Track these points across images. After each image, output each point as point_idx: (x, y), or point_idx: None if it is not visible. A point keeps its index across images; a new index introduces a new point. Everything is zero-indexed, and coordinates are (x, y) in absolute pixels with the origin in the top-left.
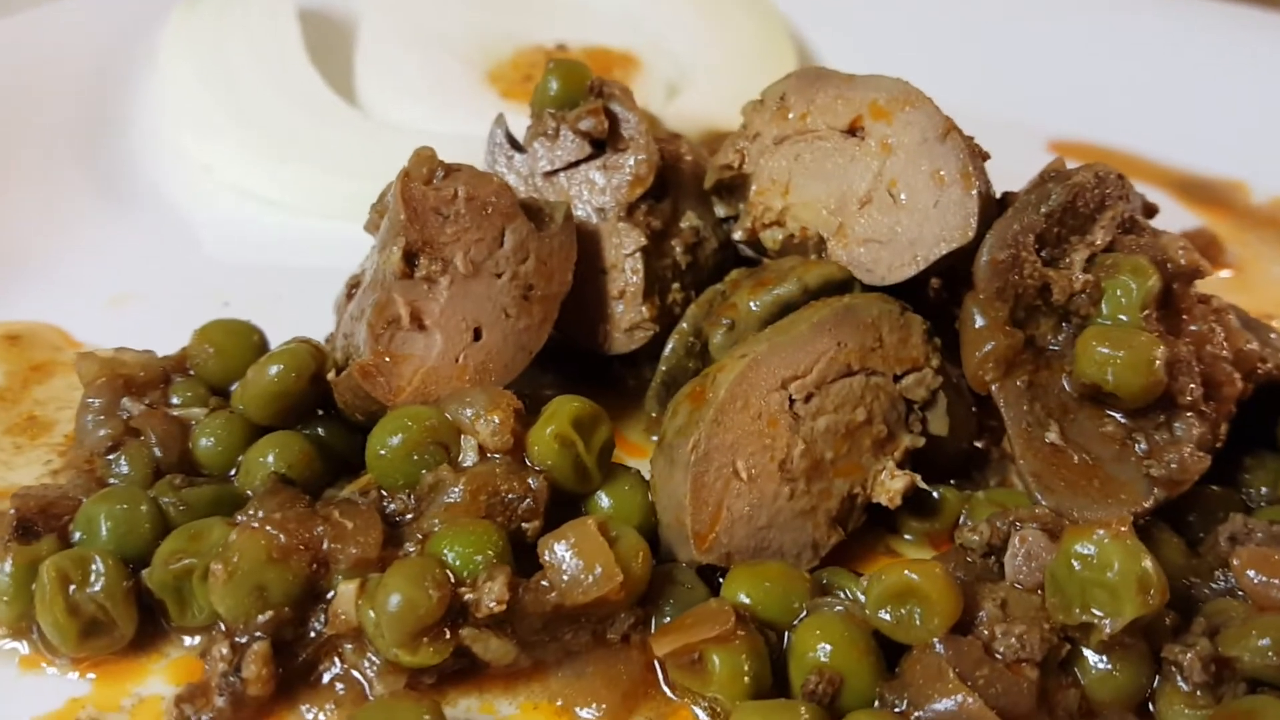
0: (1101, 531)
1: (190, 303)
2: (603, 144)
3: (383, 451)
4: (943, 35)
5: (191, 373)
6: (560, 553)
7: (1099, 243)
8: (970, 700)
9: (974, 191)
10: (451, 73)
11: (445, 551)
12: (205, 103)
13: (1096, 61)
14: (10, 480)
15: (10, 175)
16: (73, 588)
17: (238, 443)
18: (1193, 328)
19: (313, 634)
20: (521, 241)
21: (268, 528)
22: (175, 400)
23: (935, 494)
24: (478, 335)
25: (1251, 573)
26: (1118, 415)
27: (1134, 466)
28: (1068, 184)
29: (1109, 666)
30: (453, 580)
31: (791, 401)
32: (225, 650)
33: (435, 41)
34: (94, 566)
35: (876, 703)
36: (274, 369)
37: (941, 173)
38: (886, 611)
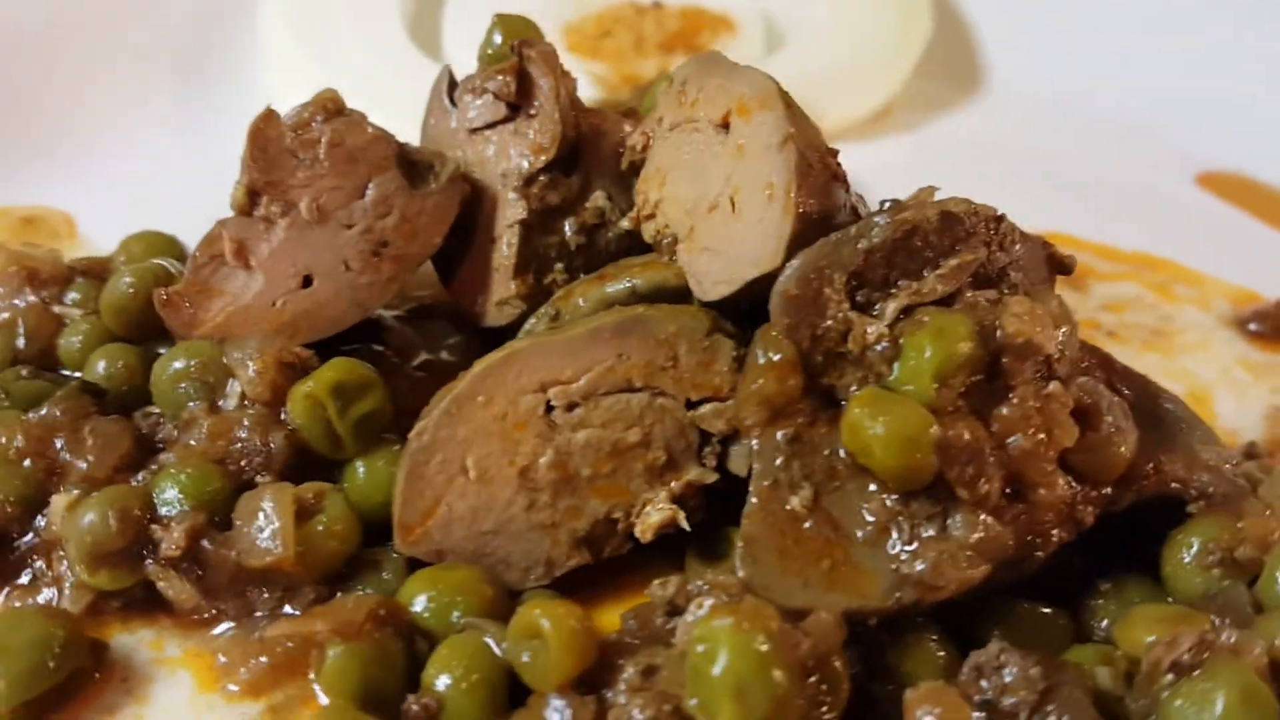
0: (724, 619)
1: None
2: (519, 108)
3: (160, 377)
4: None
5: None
6: (247, 513)
7: (928, 292)
8: None
9: (791, 213)
10: None
11: (160, 486)
12: (295, 50)
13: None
14: None
15: (99, 77)
16: None
17: (94, 346)
18: (1003, 411)
19: (30, 535)
20: (386, 196)
21: (12, 429)
22: (69, 299)
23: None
24: (307, 282)
25: (920, 713)
26: (889, 496)
27: (885, 557)
28: (896, 219)
29: None
30: (148, 516)
31: (550, 408)
32: None
33: None
34: None
35: None
36: (123, 281)
37: (772, 186)
38: (523, 649)
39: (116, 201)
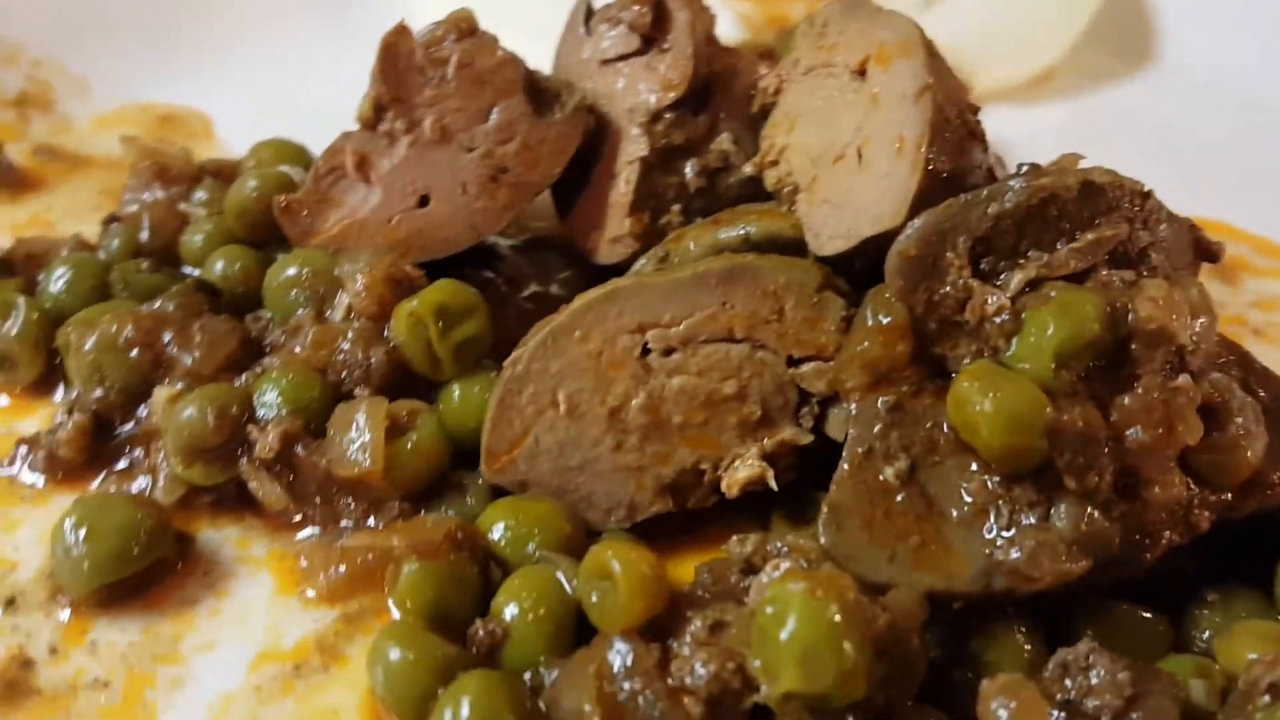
0: (798, 584)
1: None
2: (653, 41)
3: (273, 282)
4: None
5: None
6: (341, 423)
7: (1059, 265)
8: (588, 708)
9: (919, 169)
10: None
11: (260, 388)
12: None
13: None
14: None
15: None
16: (4, 324)
17: (215, 246)
18: (1125, 400)
19: (133, 424)
20: (510, 121)
21: (124, 319)
22: (196, 198)
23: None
24: (424, 202)
25: (995, 704)
26: (991, 477)
27: (979, 541)
28: (1033, 185)
29: None
30: (245, 417)
31: (647, 350)
32: (61, 415)
33: None
34: (16, 310)
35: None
36: (248, 184)
37: (903, 139)
38: (593, 588)
39: (253, 106)
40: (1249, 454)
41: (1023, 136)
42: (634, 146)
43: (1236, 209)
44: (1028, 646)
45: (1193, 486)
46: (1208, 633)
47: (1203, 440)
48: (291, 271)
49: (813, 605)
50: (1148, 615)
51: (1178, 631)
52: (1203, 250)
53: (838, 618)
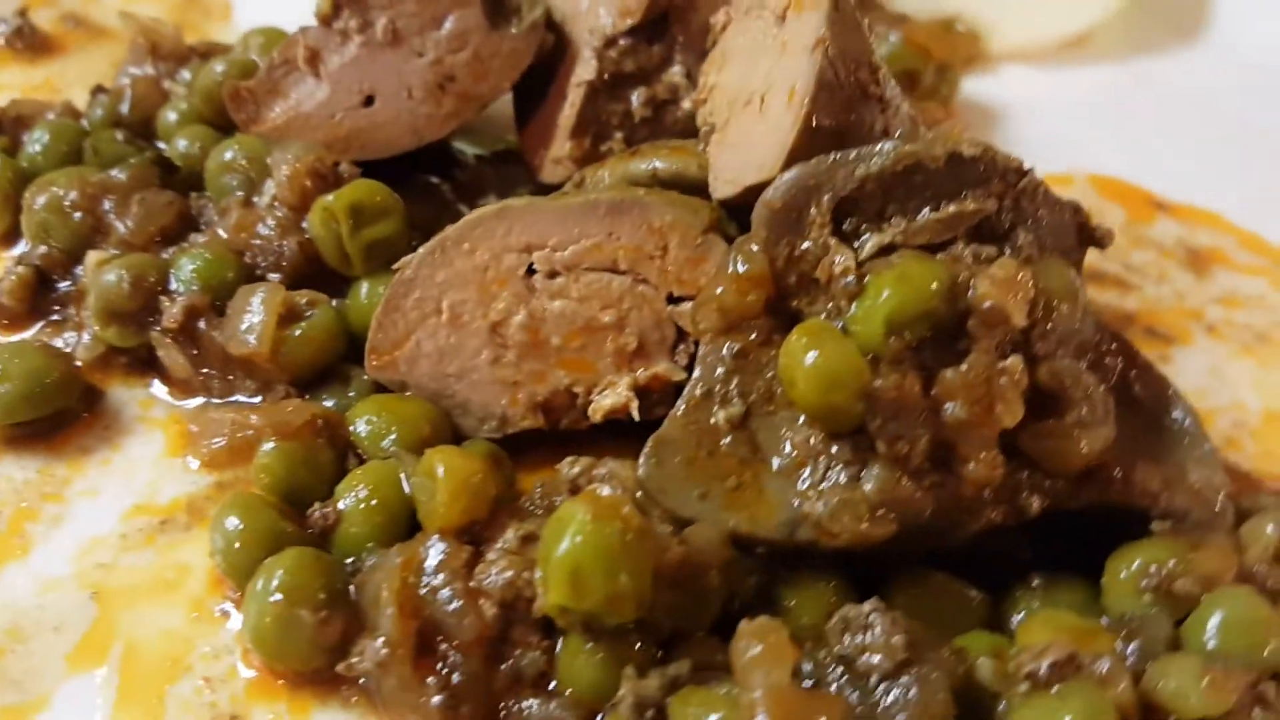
0: (580, 505)
1: None
2: None
3: (212, 164)
4: None
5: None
6: (239, 305)
7: (915, 232)
8: (389, 613)
9: (799, 123)
10: None
11: (178, 263)
12: None
13: None
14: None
15: None
16: None
17: (188, 125)
18: (948, 374)
19: (70, 282)
20: (463, 31)
21: (67, 183)
22: (181, 77)
23: None
24: (369, 102)
25: (744, 644)
26: (816, 433)
27: (792, 491)
28: (900, 151)
29: (569, 651)
30: (160, 287)
31: (532, 271)
32: (11, 265)
33: None
34: None
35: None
36: (216, 69)
37: (794, 91)
38: (424, 489)
39: None
40: (1083, 445)
41: (1049, 100)
42: (583, 69)
43: (1237, 200)
44: (832, 600)
45: (1024, 470)
46: (1021, 615)
47: (1039, 425)
48: (229, 156)
49: (590, 526)
50: (962, 588)
51: (998, 611)
52: (1086, 234)
53: (613, 541)
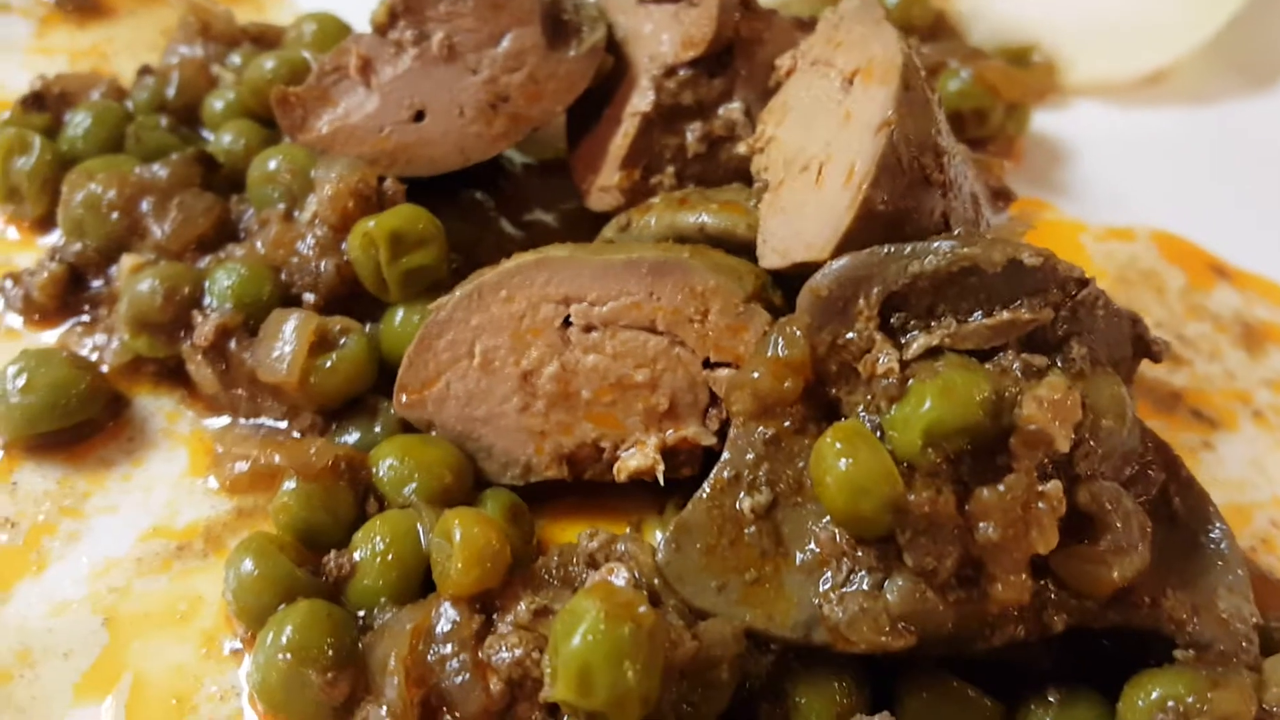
0: (593, 600)
1: None
2: None
3: (255, 171)
4: None
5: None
6: (271, 329)
7: (965, 336)
8: (395, 681)
9: (855, 207)
10: None
11: (214, 275)
12: None
13: None
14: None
15: None
16: (19, 160)
17: (234, 116)
18: (984, 494)
19: (103, 282)
20: (521, 50)
21: (106, 181)
22: (231, 61)
23: None
24: (419, 117)
25: None
26: (843, 532)
27: (812, 590)
28: (956, 253)
29: None
30: (194, 298)
31: (568, 323)
32: (45, 258)
33: None
34: (31, 148)
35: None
36: (267, 63)
37: (854, 170)
38: (441, 548)
39: None
40: (1114, 572)
41: (1118, 140)
42: (640, 98)
43: None
44: (843, 700)
45: (1051, 587)
46: None
47: (1072, 547)
48: (273, 165)
49: (601, 625)
50: (976, 696)
51: None
52: (1143, 347)
53: (623, 642)
